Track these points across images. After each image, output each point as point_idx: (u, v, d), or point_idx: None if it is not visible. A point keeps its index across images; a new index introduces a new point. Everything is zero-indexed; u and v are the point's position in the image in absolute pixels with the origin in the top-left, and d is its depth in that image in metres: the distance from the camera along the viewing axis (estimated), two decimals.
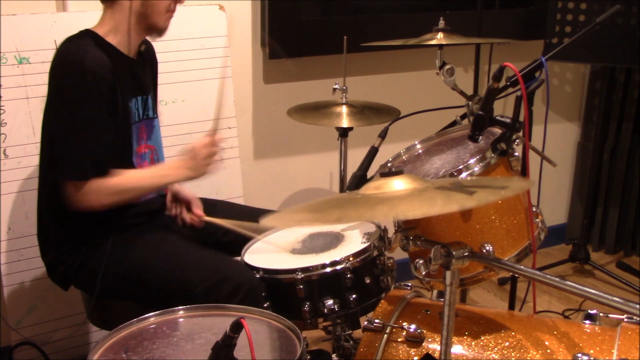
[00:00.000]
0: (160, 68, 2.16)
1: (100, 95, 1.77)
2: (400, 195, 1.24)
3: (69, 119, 1.77)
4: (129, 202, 1.89)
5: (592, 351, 1.39)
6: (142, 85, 1.96)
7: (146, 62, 2.04)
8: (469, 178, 1.63)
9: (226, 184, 2.50)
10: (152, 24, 1.91)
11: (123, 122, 1.87)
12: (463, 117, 2.06)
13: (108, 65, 1.80)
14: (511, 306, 2.46)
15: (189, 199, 2.11)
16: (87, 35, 1.86)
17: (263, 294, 1.80)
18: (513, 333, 1.48)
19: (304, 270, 1.77)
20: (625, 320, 1.48)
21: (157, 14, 1.90)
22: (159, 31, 1.95)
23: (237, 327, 1.21)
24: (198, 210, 2.11)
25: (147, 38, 1.99)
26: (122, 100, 1.85)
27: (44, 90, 2.22)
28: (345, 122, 2.31)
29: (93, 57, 1.78)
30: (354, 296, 1.79)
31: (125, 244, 1.90)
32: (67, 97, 1.77)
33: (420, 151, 1.97)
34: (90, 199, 1.78)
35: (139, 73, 1.95)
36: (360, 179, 1.93)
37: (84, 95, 1.76)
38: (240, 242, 1.99)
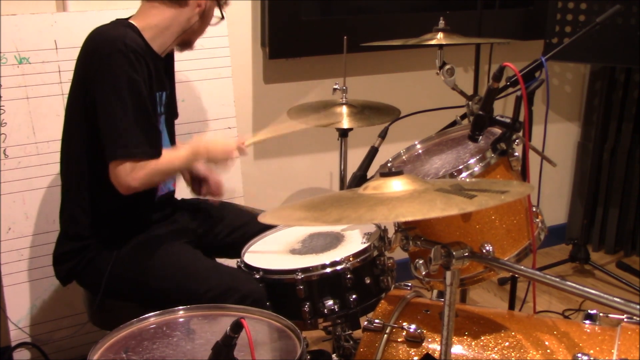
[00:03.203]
0: None
1: (143, 75, 1.78)
2: (400, 196, 1.24)
3: (124, 97, 1.75)
4: (158, 184, 1.91)
5: (592, 351, 1.39)
6: (163, 82, 1.97)
7: (170, 60, 2.07)
8: (468, 179, 1.63)
9: (226, 184, 2.49)
10: (191, 40, 2.00)
11: (155, 110, 1.89)
12: (463, 117, 2.06)
13: (146, 50, 1.82)
14: (511, 306, 2.47)
15: (204, 176, 2.13)
16: (121, 23, 1.87)
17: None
18: (513, 333, 1.48)
19: (304, 270, 1.77)
20: (625, 320, 1.48)
21: (200, 33, 2.00)
22: (191, 47, 2.03)
23: (237, 327, 1.21)
24: (215, 188, 2.13)
25: (175, 49, 2.03)
26: (152, 90, 1.87)
27: (44, 90, 2.24)
28: (345, 123, 2.31)
29: (132, 39, 1.79)
30: (354, 296, 1.79)
31: (133, 248, 1.90)
32: (118, 75, 1.75)
33: (420, 151, 1.97)
34: (138, 177, 1.77)
35: (161, 70, 1.96)
36: (360, 179, 1.93)
37: (133, 72, 1.75)
38: (241, 243, 1.99)
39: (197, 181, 2.15)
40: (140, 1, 1.92)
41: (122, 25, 1.86)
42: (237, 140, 1.98)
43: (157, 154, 1.82)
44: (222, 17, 2.01)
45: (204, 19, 1.96)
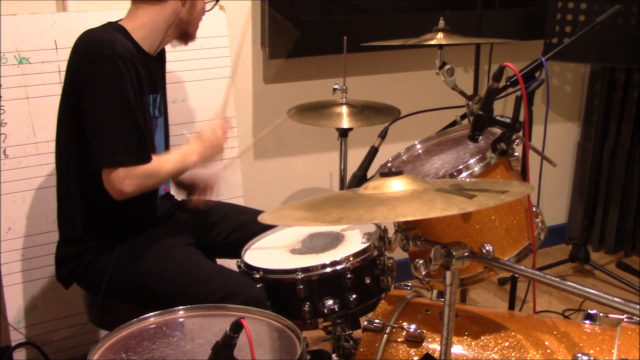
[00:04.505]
0: None
1: (132, 80, 1.78)
2: (400, 196, 1.24)
3: (112, 103, 1.75)
4: (151, 189, 1.90)
5: (592, 351, 1.39)
6: (155, 84, 1.97)
7: (162, 61, 2.07)
8: (468, 179, 1.63)
9: (226, 184, 2.50)
10: (188, 32, 1.98)
11: (146, 114, 1.88)
12: (463, 117, 2.06)
13: (135, 55, 1.81)
14: (511, 306, 2.47)
15: (189, 182, 2.13)
16: (111, 27, 1.87)
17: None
18: (513, 333, 1.48)
19: (304, 270, 1.77)
20: (625, 320, 1.48)
21: (196, 22, 1.97)
22: (192, 38, 2.01)
23: (237, 327, 1.21)
24: (208, 191, 2.12)
25: (175, 43, 2.01)
26: (143, 94, 1.86)
27: (44, 90, 2.24)
28: (345, 123, 2.31)
29: (122, 44, 1.79)
30: (354, 296, 1.79)
31: (133, 249, 1.90)
32: (106, 81, 1.75)
33: (420, 151, 1.97)
34: (131, 183, 1.77)
35: (154, 71, 1.96)
36: (360, 179, 1.93)
37: (121, 78, 1.75)
38: (241, 243, 1.99)
39: (185, 189, 2.16)
40: (131, 3, 1.92)
41: (111, 28, 1.85)
42: (222, 127, 1.97)
43: (147, 158, 1.81)
44: (217, 1, 2.01)
45: (192, 7, 1.94)
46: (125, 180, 1.76)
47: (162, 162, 1.88)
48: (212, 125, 1.98)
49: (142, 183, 1.79)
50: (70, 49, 1.87)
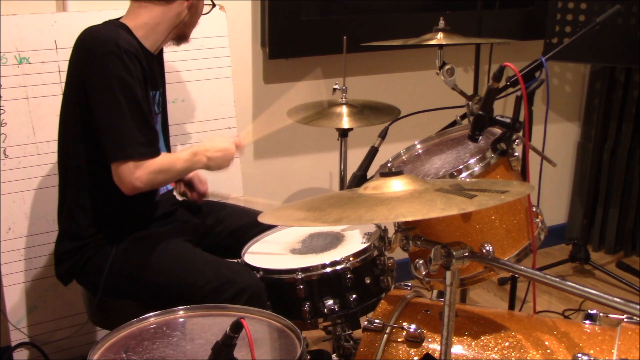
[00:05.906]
0: None
1: (137, 75, 1.78)
2: (400, 196, 1.24)
3: (119, 99, 1.75)
4: (161, 185, 1.91)
5: (592, 351, 1.39)
6: (156, 81, 1.97)
7: (161, 59, 2.07)
8: (468, 179, 1.63)
9: (226, 184, 2.50)
10: (185, 33, 2.00)
11: (150, 109, 1.89)
12: (463, 117, 2.06)
13: (139, 50, 1.82)
14: (511, 306, 2.47)
15: (190, 177, 2.15)
16: (113, 24, 1.87)
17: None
18: (513, 333, 1.48)
19: (304, 270, 1.77)
20: (625, 320, 1.48)
21: (194, 24, 1.99)
22: (186, 40, 2.03)
23: (237, 327, 1.21)
24: (200, 186, 2.16)
25: (170, 44, 2.02)
26: (147, 89, 1.86)
27: (44, 90, 2.24)
28: (345, 123, 2.31)
29: (125, 40, 1.79)
30: (354, 296, 1.79)
31: (132, 245, 1.90)
32: (112, 76, 1.75)
33: (420, 151, 1.97)
34: (142, 177, 1.77)
35: (154, 69, 1.96)
36: (360, 179, 1.93)
37: (127, 73, 1.75)
38: (241, 244, 1.99)
39: (182, 183, 2.17)
40: (129, 1, 1.92)
41: (114, 25, 1.85)
42: (235, 140, 1.98)
43: (156, 152, 1.82)
44: (214, 5, 2.02)
45: (195, 11, 1.96)
46: (136, 173, 1.76)
47: (174, 159, 1.88)
48: (227, 141, 1.98)
49: (153, 178, 1.79)
50: (72, 46, 1.87)
